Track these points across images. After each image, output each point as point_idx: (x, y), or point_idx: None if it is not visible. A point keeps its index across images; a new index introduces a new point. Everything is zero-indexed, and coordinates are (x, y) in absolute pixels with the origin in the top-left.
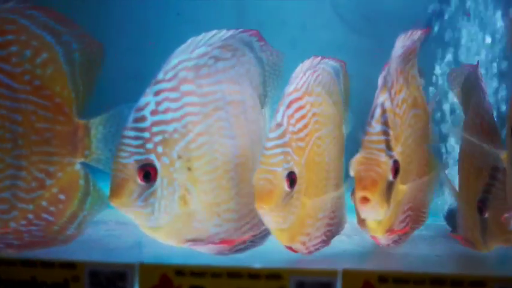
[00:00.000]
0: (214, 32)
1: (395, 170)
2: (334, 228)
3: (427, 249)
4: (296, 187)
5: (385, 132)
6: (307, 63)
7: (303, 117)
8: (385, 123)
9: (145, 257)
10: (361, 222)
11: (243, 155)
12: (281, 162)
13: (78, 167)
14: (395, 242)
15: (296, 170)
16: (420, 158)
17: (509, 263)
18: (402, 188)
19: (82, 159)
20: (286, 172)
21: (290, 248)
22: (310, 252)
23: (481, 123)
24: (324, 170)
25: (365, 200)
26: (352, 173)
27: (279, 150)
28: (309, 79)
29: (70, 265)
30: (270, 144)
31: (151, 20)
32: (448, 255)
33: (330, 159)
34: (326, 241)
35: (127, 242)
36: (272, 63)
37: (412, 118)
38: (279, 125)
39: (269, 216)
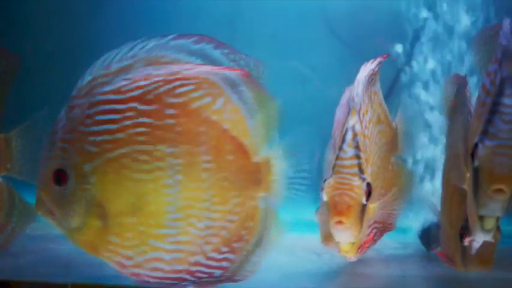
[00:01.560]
0: (133, 43)
1: (369, 193)
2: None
3: (397, 270)
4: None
5: (358, 156)
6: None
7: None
8: (357, 147)
9: (107, 274)
10: (326, 240)
11: None
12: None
13: (0, 180)
14: (362, 251)
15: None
16: (386, 172)
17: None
18: (372, 207)
19: (4, 173)
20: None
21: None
22: (145, 282)
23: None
24: (134, 190)
25: (340, 224)
26: (325, 197)
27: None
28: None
29: (3, 284)
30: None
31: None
32: (416, 276)
33: (172, 185)
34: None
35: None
36: None
37: (376, 135)
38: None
39: None
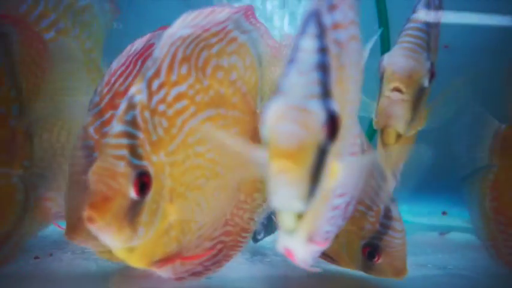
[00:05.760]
0: None
1: (142, 185)
2: None
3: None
4: None
5: (130, 135)
6: None
7: None
8: (131, 123)
9: None
10: (70, 233)
11: None
12: None
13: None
14: (196, 274)
15: None
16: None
17: None
18: (173, 208)
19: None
20: None
21: None
22: None
23: None
24: None
25: (92, 220)
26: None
27: None
28: None
29: None
30: None
31: None
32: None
33: None
34: None
35: None
36: None
37: (208, 120)
38: None
39: None
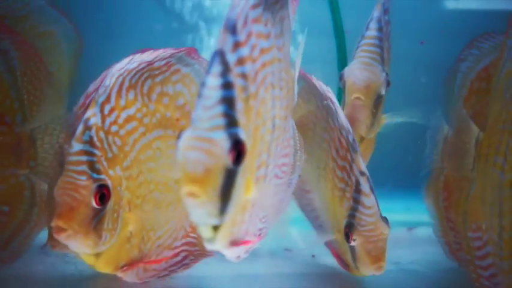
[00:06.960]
0: None
1: (102, 196)
2: None
3: None
4: None
5: (88, 153)
6: None
7: None
8: (88, 142)
9: None
10: (51, 240)
11: None
12: None
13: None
14: (161, 277)
15: None
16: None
17: None
18: (132, 218)
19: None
20: None
21: None
22: None
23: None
24: None
25: (59, 231)
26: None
27: None
28: None
29: None
30: None
31: None
32: None
33: None
34: None
35: None
36: None
37: (157, 140)
38: None
39: None
